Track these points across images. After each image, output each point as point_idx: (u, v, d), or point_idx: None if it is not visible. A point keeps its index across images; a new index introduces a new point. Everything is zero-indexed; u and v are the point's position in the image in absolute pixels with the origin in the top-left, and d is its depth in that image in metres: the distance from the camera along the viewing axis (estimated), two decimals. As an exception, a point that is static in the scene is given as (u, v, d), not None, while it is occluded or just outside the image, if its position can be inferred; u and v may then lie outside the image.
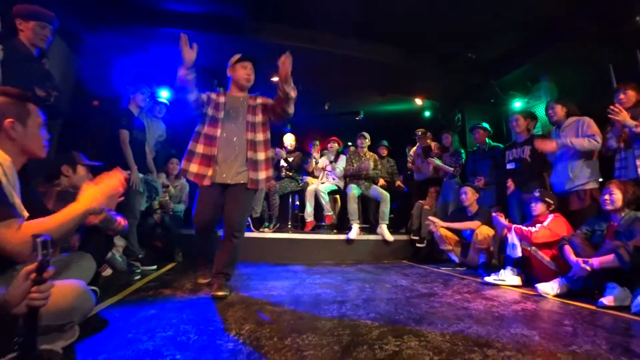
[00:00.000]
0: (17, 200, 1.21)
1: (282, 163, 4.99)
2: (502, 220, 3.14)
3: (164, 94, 4.67)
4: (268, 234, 4.42)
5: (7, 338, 1.03)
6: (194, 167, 2.30)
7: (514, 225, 3.02)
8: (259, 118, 2.44)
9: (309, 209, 4.79)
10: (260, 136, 2.41)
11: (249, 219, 4.47)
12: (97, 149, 3.12)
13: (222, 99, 2.40)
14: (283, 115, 2.38)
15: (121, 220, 2.30)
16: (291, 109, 2.35)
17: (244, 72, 2.44)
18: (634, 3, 3.28)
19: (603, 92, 3.35)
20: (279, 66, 2.19)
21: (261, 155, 2.40)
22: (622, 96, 2.87)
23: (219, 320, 1.77)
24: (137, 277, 2.81)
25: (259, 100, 2.50)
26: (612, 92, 3.05)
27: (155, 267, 3.27)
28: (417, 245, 4.68)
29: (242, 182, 2.34)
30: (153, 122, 3.93)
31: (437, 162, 4.76)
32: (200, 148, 2.32)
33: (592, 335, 1.64)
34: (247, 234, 4.23)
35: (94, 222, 2.12)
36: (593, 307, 2.21)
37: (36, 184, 2.04)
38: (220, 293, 2.24)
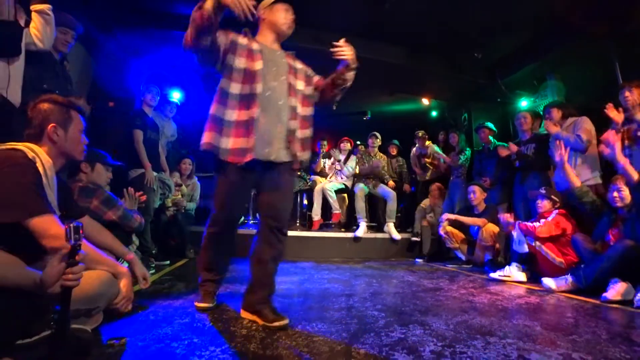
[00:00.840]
0: (53, 202, 1.32)
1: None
2: (508, 218, 3.19)
3: (176, 95, 4.80)
4: (277, 232, 4.50)
5: (43, 316, 1.12)
6: (227, 141, 1.62)
7: (518, 222, 3.06)
8: (301, 85, 1.84)
9: (317, 207, 4.87)
10: (306, 109, 1.85)
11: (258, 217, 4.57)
12: (113, 149, 3.24)
13: (255, 46, 1.75)
14: (330, 103, 1.91)
15: (137, 217, 2.42)
16: (338, 97, 1.89)
17: (286, 15, 1.82)
18: (639, 1, 3.29)
19: (609, 90, 3.38)
20: (343, 50, 1.70)
21: (307, 132, 1.85)
22: (627, 93, 2.90)
23: (231, 310, 1.85)
24: (152, 272, 2.91)
25: (300, 64, 1.91)
26: (618, 89, 3.08)
27: (168, 262, 3.39)
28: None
29: (285, 160, 1.74)
30: (165, 122, 4.05)
31: (436, 148, 4.90)
32: (234, 114, 1.65)
33: (594, 326, 1.68)
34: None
35: (112, 219, 2.24)
36: (597, 302, 2.24)
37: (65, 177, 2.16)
38: (281, 322, 1.56)
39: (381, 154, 5.25)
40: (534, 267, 3.03)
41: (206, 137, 1.64)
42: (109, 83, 3.88)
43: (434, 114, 7.00)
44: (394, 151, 5.78)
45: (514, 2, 3.69)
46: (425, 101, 6.40)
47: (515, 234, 3.05)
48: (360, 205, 4.77)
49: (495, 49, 4.68)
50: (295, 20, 1.86)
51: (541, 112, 4.22)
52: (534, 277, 2.98)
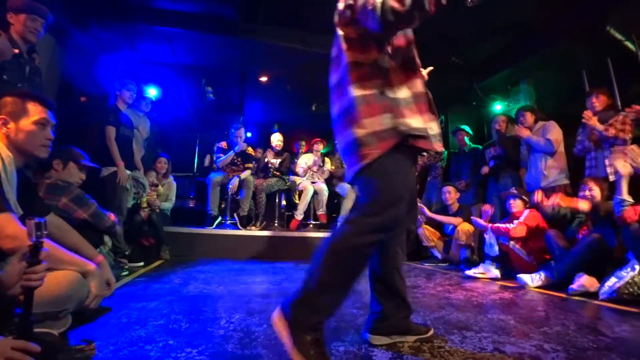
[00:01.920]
0: (12, 198, 1.24)
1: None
2: (481, 222, 3.30)
3: (152, 92, 4.66)
4: (256, 232, 4.44)
5: (4, 320, 1.05)
6: (417, 119, 1.22)
7: (490, 225, 3.17)
8: None
9: (302, 207, 4.81)
10: None
11: (236, 217, 4.50)
12: (85, 146, 3.11)
13: None
14: None
15: (112, 216, 2.32)
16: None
17: None
18: (605, 14, 3.48)
19: (577, 96, 3.55)
20: None
21: None
22: (594, 100, 3.06)
23: (209, 311, 1.81)
24: (125, 273, 2.81)
25: None
26: (584, 96, 3.24)
27: (142, 263, 3.27)
28: None
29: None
30: (140, 119, 3.92)
31: None
32: (406, 90, 1.25)
33: (563, 319, 1.76)
34: (235, 232, 4.28)
35: (83, 217, 2.14)
36: (565, 296, 2.34)
37: (31, 174, 2.04)
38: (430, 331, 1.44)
39: None
40: (508, 264, 3.13)
41: (396, 117, 1.20)
42: (81, 78, 3.71)
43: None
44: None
45: (490, 10, 3.80)
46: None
47: (487, 237, 3.16)
48: (349, 206, 4.78)
49: (472, 54, 4.80)
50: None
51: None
52: (508, 274, 3.07)
